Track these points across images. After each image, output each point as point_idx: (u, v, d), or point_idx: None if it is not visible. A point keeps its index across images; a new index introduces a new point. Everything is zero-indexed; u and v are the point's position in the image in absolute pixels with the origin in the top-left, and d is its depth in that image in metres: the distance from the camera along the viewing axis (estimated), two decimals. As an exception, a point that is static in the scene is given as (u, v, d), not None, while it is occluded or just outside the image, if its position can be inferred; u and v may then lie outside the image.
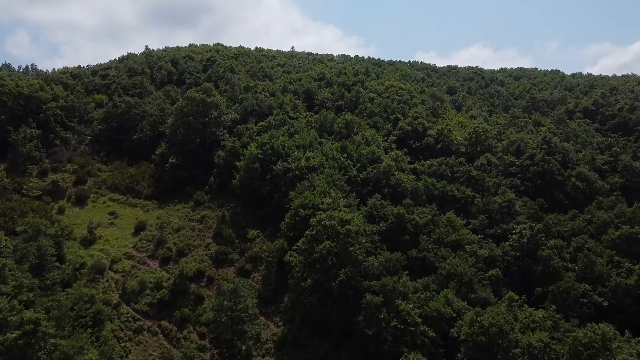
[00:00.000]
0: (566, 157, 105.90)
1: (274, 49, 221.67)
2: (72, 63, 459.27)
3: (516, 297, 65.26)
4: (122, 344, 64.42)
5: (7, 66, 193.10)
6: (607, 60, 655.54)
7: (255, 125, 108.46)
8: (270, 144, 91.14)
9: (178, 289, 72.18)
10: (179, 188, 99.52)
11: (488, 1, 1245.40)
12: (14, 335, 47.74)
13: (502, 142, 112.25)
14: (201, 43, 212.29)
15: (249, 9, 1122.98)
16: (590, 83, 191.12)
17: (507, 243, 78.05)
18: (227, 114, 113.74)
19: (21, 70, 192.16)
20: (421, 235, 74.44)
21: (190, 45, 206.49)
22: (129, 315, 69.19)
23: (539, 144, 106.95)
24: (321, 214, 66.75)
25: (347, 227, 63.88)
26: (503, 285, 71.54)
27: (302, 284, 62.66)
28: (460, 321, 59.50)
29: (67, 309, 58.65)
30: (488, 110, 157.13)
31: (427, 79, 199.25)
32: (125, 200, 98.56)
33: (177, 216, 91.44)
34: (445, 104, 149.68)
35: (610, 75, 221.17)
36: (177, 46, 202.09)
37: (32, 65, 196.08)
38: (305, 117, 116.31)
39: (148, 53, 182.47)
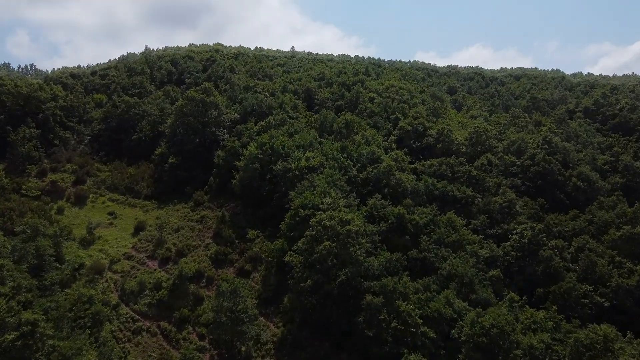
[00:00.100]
0: (567, 157, 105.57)
1: (274, 49, 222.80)
2: (72, 63, 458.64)
3: (517, 297, 65.13)
4: (121, 345, 64.01)
5: (6, 66, 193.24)
6: (607, 60, 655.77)
7: (255, 125, 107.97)
8: (270, 143, 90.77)
9: (177, 289, 71.76)
10: (179, 188, 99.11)
11: (488, 1, 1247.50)
12: (11, 336, 47.30)
13: (503, 142, 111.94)
14: (201, 43, 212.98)
15: (249, 9, 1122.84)
16: (590, 83, 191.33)
17: (507, 243, 77.66)
18: (226, 113, 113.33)
19: (20, 70, 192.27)
20: (422, 236, 74.08)
21: (190, 45, 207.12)
22: (128, 316, 68.81)
23: (540, 143, 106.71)
24: (321, 214, 66.36)
25: (347, 227, 63.57)
26: (504, 286, 71.17)
27: (302, 284, 62.30)
28: (461, 322, 59.26)
29: (66, 310, 58.04)
30: (488, 110, 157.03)
31: (427, 79, 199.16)
32: (125, 201, 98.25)
33: (176, 216, 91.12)
34: (446, 104, 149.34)
35: (610, 75, 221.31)
36: (177, 46, 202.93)
37: (32, 65, 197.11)
38: (305, 117, 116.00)
39: (148, 53, 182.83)
